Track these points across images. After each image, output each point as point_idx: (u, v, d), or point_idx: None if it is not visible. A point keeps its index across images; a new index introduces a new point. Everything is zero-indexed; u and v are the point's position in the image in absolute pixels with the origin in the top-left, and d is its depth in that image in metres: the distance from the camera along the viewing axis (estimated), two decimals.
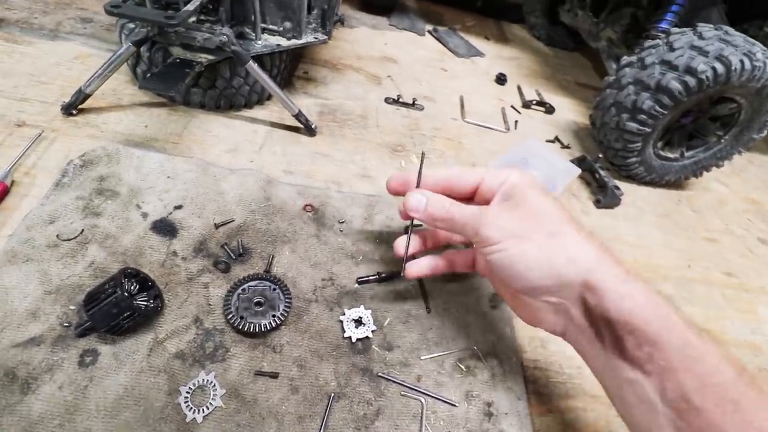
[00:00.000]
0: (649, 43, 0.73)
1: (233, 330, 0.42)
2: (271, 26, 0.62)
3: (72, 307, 0.40)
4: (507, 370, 0.47)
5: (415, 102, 0.81)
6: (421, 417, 0.41)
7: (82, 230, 0.45)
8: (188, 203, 0.51)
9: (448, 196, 0.41)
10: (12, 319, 0.38)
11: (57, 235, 0.44)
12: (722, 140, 0.77)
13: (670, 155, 0.80)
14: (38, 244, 0.43)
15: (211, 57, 0.55)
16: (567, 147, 0.86)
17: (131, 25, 0.59)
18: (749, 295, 0.68)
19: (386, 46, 0.98)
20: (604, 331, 0.32)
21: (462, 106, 0.86)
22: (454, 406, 0.43)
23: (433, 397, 0.43)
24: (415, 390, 0.43)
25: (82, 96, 0.56)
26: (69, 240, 0.44)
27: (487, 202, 0.40)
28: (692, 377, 0.28)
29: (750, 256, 0.76)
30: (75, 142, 0.55)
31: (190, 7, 0.45)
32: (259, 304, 0.44)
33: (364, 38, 0.97)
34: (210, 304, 0.43)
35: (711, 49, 0.65)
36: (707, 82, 0.64)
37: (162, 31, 0.51)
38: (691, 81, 0.65)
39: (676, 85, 0.66)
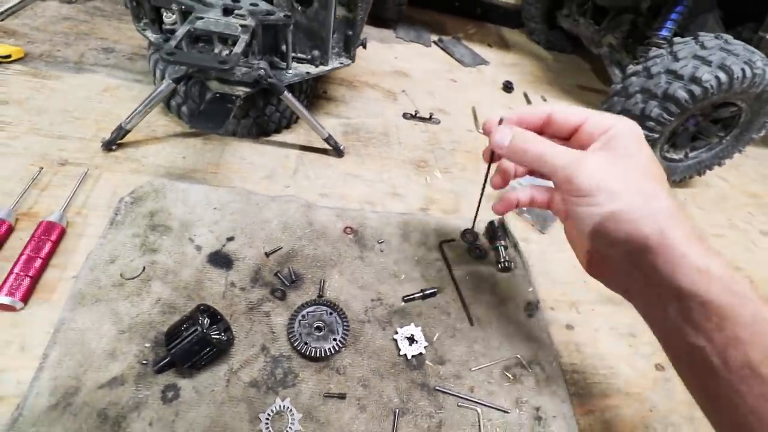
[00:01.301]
0: (653, 52, 0.76)
1: (299, 356, 0.44)
2: (299, 54, 0.64)
3: (147, 345, 0.42)
4: (549, 375, 0.50)
5: (432, 116, 0.84)
6: (479, 426, 0.44)
7: (144, 268, 0.47)
8: (239, 234, 0.53)
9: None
10: (92, 360, 0.40)
11: (120, 274, 0.46)
12: (724, 141, 0.82)
13: (675, 157, 0.84)
14: (104, 284, 0.45)
15: (247, 89, 0.57)
16: None
17: None
18: (757, 287, 0.73)
19: (396, 60, 1.01)
20: (671, 299, 0.32)
21: (475, 117, 0.89)
22: (507, 412, 0.46)
23: (487, 405, 0.46)
24: (470, 400, 0.46)
25: (122, 132, 0.58)
26: (133, 278, 0.46)
27: (584, 147, 0.38)
28: (760, 349, 0.29)
29: (754, 249, 0.81)
30: (119, 178, 0.57)
31: (238, 49, 0.47)
32: (319, 329, 0.46)
33: (375, 53, 0.99)
34: (274, 332, 0.46)
35: (714, 58, 0.69)
36: (711, 90, 0.68)
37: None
38: (697, 90, 0.69)
39: (682, 94, 0.69)
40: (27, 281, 0.43)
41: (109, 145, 0.58)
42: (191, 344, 0.39)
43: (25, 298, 0.43)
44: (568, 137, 0.40)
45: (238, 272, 0.50)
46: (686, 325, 0.32)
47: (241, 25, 0.51)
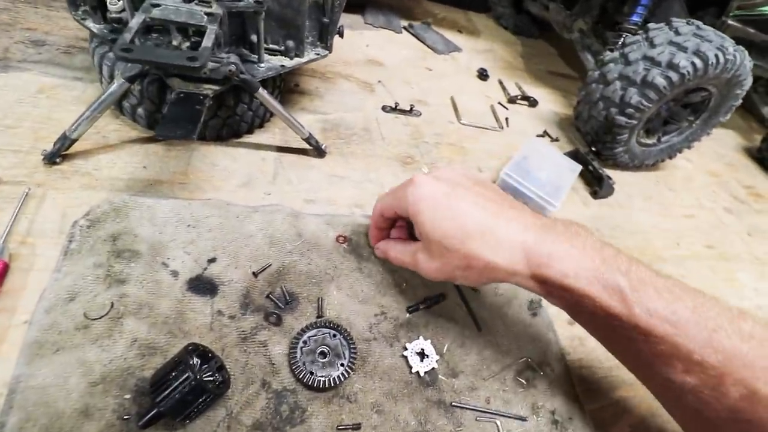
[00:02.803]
0: (630, 39, 0.77)
1: (305, 388, 0.40)
2: (271, 45, 0.57)
3: (126, 396, 0.36)
4: (559, 375, 0.50)
5: (413, 108, 0.80)
6: None
7: (112, 304, 0.40)
8: (220, 254, 0.47)
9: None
10: (62, 423, 0.33)
11: (84, 314, 0.39)
12: (693, 125, 0.85)
13: (649, 142, 0.86)
14: (65, 328, 0.38)
15: (216, 87, 0.50)
16: (556, 140, 0.89)
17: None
18: (729, 263, 0.77)
19: (368, 47, 0.95)
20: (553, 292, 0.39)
21: (455, 108, 0.86)
22: (525, 420, 0.45)
23: (504, 416, 0.44)
24: (488, 413, 0.44)
25: (67, 142, 0.49)
26: (100, 318, 0.39)
27: None
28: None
29: (722, 227, 0.85)
30: (68, 197, 0.48)
31: (208, 42, 0.40)
32: (323, 354, 0.42)
33: (344, 41, 0.92)
34: (273, 364, 0.41)
35: (689, 45, 0.70)
36: (688, 77, 0.69)
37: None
38: (674, 76, 0.69)
39: (660, 81, 0.70)
40: None
41: (53, 158, 0.50)
42: (183, 394, 0.33)
43: None
44: None
45: (225, 298, 0.44)
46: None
47: (207, 14, 0.44)
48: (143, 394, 0.36)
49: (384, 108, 0.78)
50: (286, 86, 0.74)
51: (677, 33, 0.72)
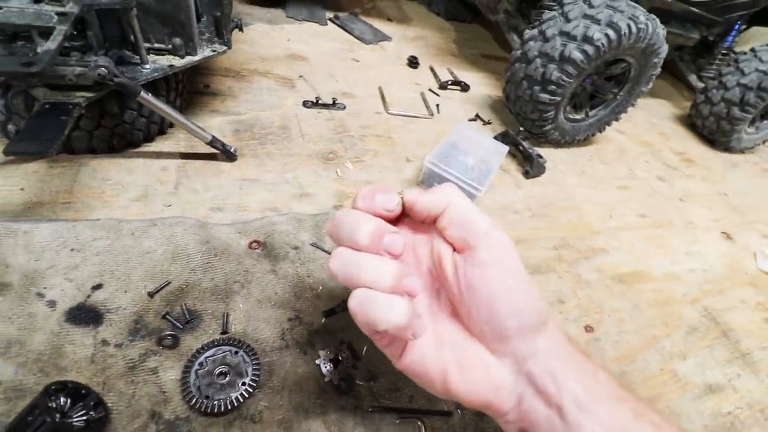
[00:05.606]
0: (547, 15, 0.76)
1: (201, 414, 0.37)
2: (157, 45, 0.53)
3: None
4: None
5: (336, 101, 0.77)
6: None
7: None
8: (108, 278, 0.43)
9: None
10: None
11: None
12: (618, 96, 0.86)
13: (578, 117, 0.86)
14: None
15: (89, 94, 0.46)
16: (488, 123, 0.88)
17: None
18: (661, 230, 0.78)
19: (289, 42, 0.91)
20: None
21: (383, 98, 0.84)
22: (450, 416, 0.43)
23: (428, 413, 0.43)
24: (409, 411, 0.42)
25: None
26: None
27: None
28: None
29: (654, 195, 0.87)
30: None
31: (52, 45, 0.36)
32: (222, 374, 0.39)
33: (263, 36, 0.89)
34: (165, 392, 0.37)
35: (602, 16, 0.70)
36: (603, 49, 0.69)
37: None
38: (590, 49, 0.69)
39: (577, 55, 0.70)
40: None
41: None
42: None
43: None
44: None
45: (112, 326, 0.40)
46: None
47: (58, 14, 0.40)
48: None
49: (305, 103, 0.75)
50: (194, 88, 0.69)
51: (591, 6, 0.72)
